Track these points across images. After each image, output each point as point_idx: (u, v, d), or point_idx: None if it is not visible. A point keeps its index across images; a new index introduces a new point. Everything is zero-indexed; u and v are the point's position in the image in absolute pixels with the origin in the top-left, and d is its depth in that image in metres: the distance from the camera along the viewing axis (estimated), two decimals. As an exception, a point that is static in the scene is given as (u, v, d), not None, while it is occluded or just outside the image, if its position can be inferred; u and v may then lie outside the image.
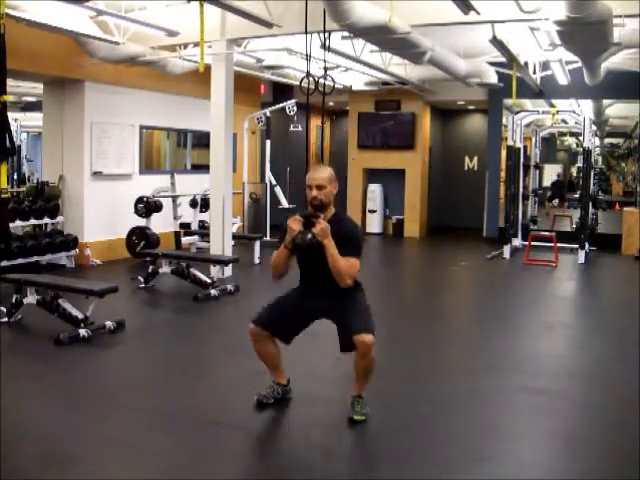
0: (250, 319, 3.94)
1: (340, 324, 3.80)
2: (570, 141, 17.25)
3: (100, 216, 9.48)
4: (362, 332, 3.66)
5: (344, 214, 3.95)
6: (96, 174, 9.39)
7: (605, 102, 13.18)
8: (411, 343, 5.81)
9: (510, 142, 11.21)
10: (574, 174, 16.45)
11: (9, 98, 8.99)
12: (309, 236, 3.66)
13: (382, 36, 7.04)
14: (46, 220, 8.81)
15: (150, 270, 7.65)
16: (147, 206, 9.56)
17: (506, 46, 7.94)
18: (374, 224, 13.83)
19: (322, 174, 3.82)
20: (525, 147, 11.98)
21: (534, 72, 10.23)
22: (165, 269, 7.67)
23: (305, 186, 3.83)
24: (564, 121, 12.65)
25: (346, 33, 7.34)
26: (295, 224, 3.71)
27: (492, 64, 10.40)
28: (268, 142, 11.89)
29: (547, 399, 4.39)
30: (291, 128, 12.41)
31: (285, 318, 3.91)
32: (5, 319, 5.90)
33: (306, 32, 5.89)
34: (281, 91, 13.61)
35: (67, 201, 9.28)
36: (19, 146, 13.08)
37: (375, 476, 3.32)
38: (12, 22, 6.01)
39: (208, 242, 8.83)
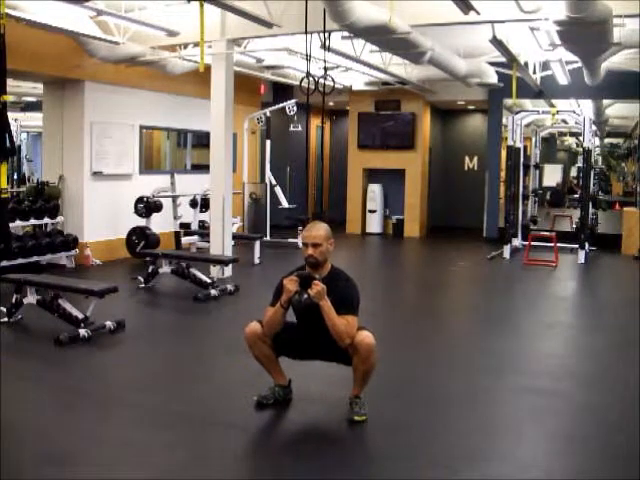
0: (250, 321, 3.95)
1: (344, 357, 3.82)
2: (570, 141, 17.24)
3: (100, 216, 9.48)
4: (363, 329, 3.71)
5: (339, 270, 3.94)
6: (96, 174, 9.39)
7: (605, 102, 13.17)
8: (411, 343, 5.81)
9: (510, 142, 11.21)
10: (574, 180, 16.43)
11: (9, 98, 9.03)
12: (305, 297, 3.69)
13: (382, 36, 7.04)
14: (46, 220, 8.80)
15: (150, 270, 7.65)
16: (147, 206, 9.56)
17: (506, 46, 7.94)
18: (374, 224, 13.83)
19: (318, 232, 3.83)
20: (525, 147, 11.98)
21: (534, 72, 10.23)
22: (165, 269, 7.67)
23: (303, 243, 3.87)
24: (564, 121, 12.64)
25: (346, 33, 7.34)
26: (291, 284, 3.71)
27: (492, 64, 10.40)
28: (268, 142, 11.89)
29: (547, 399, 4.39)
30: (291, 128, 12.42)
31: (287, 340, 3.92)
32: (5, 319, 5.90)
33: (306, 32, 5.89)
34: (281, 91, 13.61)
35: (67, 201, 9.28)
36: (19, 146, 13.07)
37: (375, 476, 3.32)
38: (12, 22, 6.01)
39: (208, 242, 8.83)
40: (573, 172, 17.04)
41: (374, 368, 3.78)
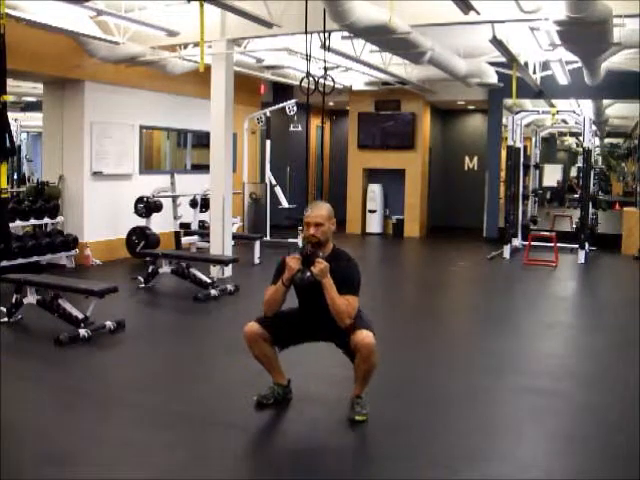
0: (247, 321, 3.95)
1: (342, 340, 3.82)
2: (570, 141, 17.23)
3: (100, 216, 9.48)
4: (363, 328, 3.71)
5: (342, 250, 3.95)
6: (96, 174, 9.39)
7: (605, 102, 13.17)
8: (411, 343, 5.81)
9: (510, 142, 11.21)
10: (574, 179, 16.44)
11: (9, 98, 9.02)
12: (308, 275, 3.69)
13: (382, 36, 7.04)
14: (46, 220, 8.80)
15: (150, 270, 7.65)
16: (147, 206, 9.56)
17: (506, 46, 7.94)
18: (374, 224, 13.83)
19: (320, 212, 3.83)
20: (525, 147, 11.98)
21: (534, 72, 10.23)
22: (165, 269, 7.67)
23: (305, 222, 3.86)
24: (564, 121, 12.64)
25: (346, 33, 7.34)
26: (294, 262, 3.72)
27: (492, 64, 10.40)
28: (268, 142, 11.89)
29: (547, 399, 4.39)
30: (291, 128, 12.42)
31: (286, 326, 3.93)
32: (5, 319, 5.90)
33: (306, 32, 5.89)
34: (281, 91, 13.61)
35: (67, 201, 9.28)
36: (19, 146, 13.07)
37: (375, 476, 3.32)
38: (12, 22, 6.01)
39: (208, 242, 8.83)
40: (573, 172, 17.05)
41: (375, 368, 3.77)
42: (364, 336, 3.69)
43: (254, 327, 3.91)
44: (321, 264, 3.66)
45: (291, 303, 3.99)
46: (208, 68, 7.91)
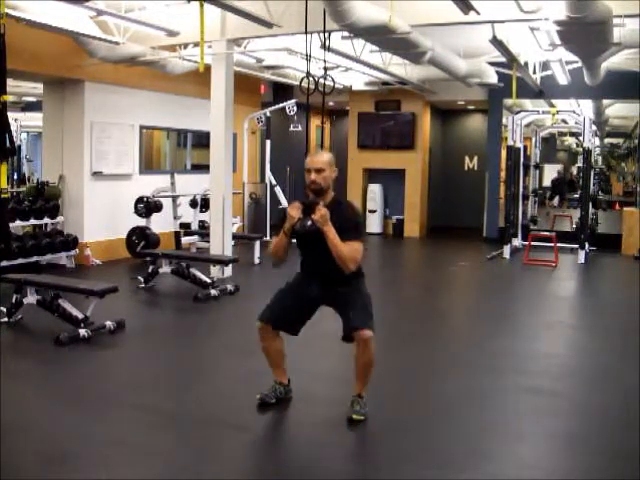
0: (257, 317, 3.94)
1: (341, 315, 3.82)
2: (570, 141, 17.24)
3: (100, 216, 9.48)
4: (360, 329, 3.69)
5: (343, 199, 3.93)
6: (96, 174, 9.39)
7: (605, 102, 13.18)
8: (411, 343, 5.81)
9: (510, 142, 11.21)
10: (574, 173, 16.46)
11: (9, 98, 9.03)
12: (309, 223, 3.65)
13: (382, 36, 7.04)
14: (46, 220, 8.81)
15: (150, 270, 7.65)
16: (147, 206, 9.55)
17: (506, 46, 7.94)
18: (374, 224, 13.83)
19: (321, 158, 3.79)
20: (525, 147, 11.99)
21: (534, 72, 10.23)
22: (165, 269, 7.67)
23: (306, 169, 3.78)
24: (564, 121, 12.65)
25: (346, 33, 7.34)
26: (294, 211, 3.69)
27: (492, 64, 10.40)
28: (268, 142, 11.90)
29: (547, 399, 4.39)
30: (291, 128, 12.42)
31: (288, 312, 3.90)
32: (5, 319, 5.90)
33: (306, 32, 5.90)
34: (281, 91, 13.61)
35: (67, 201, 9.28)
36: (19, 146, 13.07)
37: (375, 476, 3.32)
38: (12, 22, 6.01)
39: (208, 242, 8.83)
40: (573, 171, 17.07)
41: (372, 363, 3.77)
42: (361, 332, 3.69)
43: (260, 325, 3.91)
44: (321, 210, 3.60)
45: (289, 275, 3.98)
46: (208, 68, 7.91)
